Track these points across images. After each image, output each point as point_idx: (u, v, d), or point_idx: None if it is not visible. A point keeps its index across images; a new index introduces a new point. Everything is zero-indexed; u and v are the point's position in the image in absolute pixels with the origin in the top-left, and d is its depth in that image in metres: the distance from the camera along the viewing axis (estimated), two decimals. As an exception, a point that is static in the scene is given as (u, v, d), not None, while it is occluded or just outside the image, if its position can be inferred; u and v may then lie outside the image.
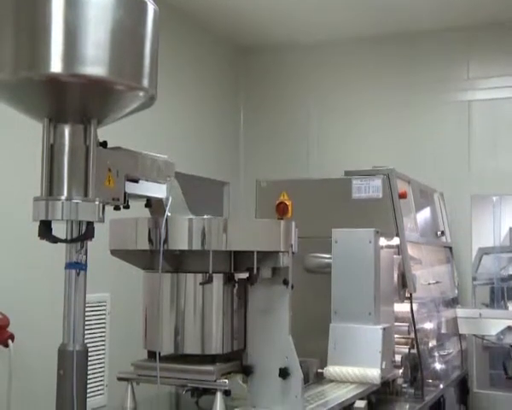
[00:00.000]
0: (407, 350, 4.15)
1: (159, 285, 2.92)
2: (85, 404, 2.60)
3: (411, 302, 4.21)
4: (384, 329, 3.77)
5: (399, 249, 4.25)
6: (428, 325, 4.75)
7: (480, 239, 6.11)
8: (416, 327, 4.23)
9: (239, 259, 2.99)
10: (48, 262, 3.68)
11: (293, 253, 3.01)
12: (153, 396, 3.00)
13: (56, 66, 2.39)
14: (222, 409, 2.85)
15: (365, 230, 3.87)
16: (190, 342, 2.93)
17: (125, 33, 2.53)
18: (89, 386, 2.72)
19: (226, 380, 2.88)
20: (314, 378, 3.72)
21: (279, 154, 6.56)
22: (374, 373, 3.64)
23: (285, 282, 2.96)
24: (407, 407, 3.94)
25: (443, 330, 5.19)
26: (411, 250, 4.44)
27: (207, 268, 2.82)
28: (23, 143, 4.01)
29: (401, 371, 4.02)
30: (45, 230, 2.51)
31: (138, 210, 2.92)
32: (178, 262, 2.97)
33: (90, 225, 2.55)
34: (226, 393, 2.88)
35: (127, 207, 2.76)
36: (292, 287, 2.97)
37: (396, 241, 4.27)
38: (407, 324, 4.21)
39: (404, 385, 4.07)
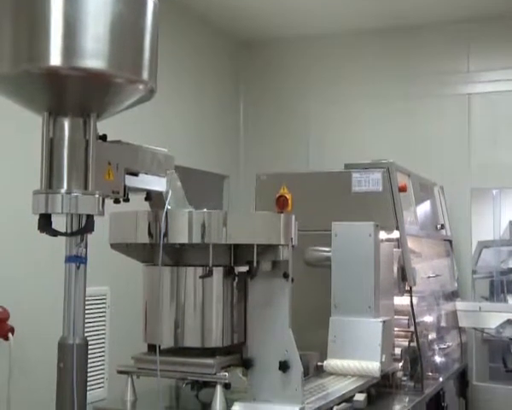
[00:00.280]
0: (407, 343, 4.15)
1: (159, 279, 2.92)
2: (85, 397, 2.61)
3: (411, 296, 4.22)
4: (384, 322, 3.77)
5: (399, 243, 4.25)
6: (428, 319, 4.75)
7: (479, 232, 6.11)
8: (416, 320, 4.24)
9: (239, 252, 3.00)
10: (48, 255, 3.68)
11: (293, 246, 3.01)
12: (153, 389, 3.00)
13: (56, 59, 2.39)
14: (222, 402, 2.86)
15: (365, 223, 3.87)
16: (190, 335, 2.94)
17: (124, 26, 2.52)
18: (89, 379, 2.73)
19: (226, 373, 2.89)
20: (314, 371, 3.72)
21: (279, 147, 6.55)
22: (373, 366, 3.64)
23: (285, 275, 2.96)
24: (407, 399, 3.95)
25: (442, 324, 5.19)
26: (411, 244, 4.44)
27: (207, 262, 2.82)
28: (23, 136, 4.00)
29: (401, 364, 4.03)
30: (45, 223, 2.51)
31: (138, 204, 2.92)
32: (178, 256, 2.97)
33: (89, 218, 2.55)
34: (226, 386, 2.89)
35: (127, 200, 2.76)
36: (292, 280, 2.97)
37: (396, 234, 4.26)
38: (407, 317, 4.22)
39: (404, 378, 4.07)
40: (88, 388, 2.66)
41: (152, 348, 2.95)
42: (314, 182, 4.50)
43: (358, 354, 3.69)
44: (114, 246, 3.02)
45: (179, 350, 2.99)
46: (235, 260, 3.02)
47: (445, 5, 5.82)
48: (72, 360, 2.54)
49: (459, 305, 5.53)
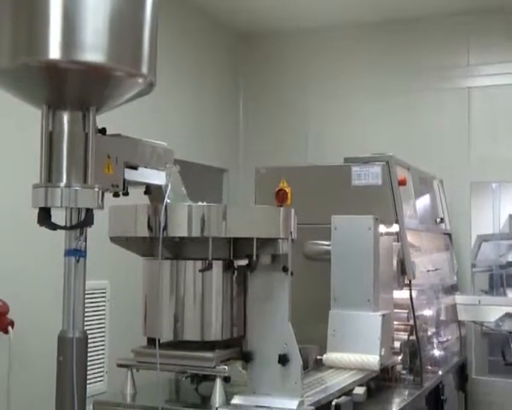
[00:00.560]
0: (406, 337, 4.16)
1: (158, 272, 2.92)
2: (85, 390, 2.61)
3: (410, 289, 4.22)
4: (383, 316, 3.78)
5: (399, 236, 4.25)
6: (427, 312, 4.76)
7: (479, 226, 6.11)
8: (415, 314, 4.24)
9: (238, 246, 2.99)
10: (47, 249, 3.68)
11: (292, 240, 3.01)
12: (152, 383, 3.01)
13: (55, 52, 2.38)
14: (221, 395, 2.87)
15: (365, 217, 3.87)
16: (190, 328, 2.94)
17: (123, 19, 2.52)
18: (89, 373, 2.73)
19: (226, 367, 2.89)
20: (313, 365, 3.73)
21: (278, 141, 6.55)
22: (373, 360, 3.65)
23: (284, 269, 2.96)
24: (406, 393, 3.96)
25: (442, 317, 5.20)
26: (411, 237, 4.44)
27: (207, 255, 2.82)
28: (22, 130, 4.00)
29: (400, 357, 4.04)
30: (44, 217, 2.51)
31: (137, 197, 2.92)
32: (178, 249, 2.97)
33: (89, 212, 2.55)
34: (226, 379, 2.89)
35: (126, 194, 2.76)
36: (291, 274, 2.97)
37: (395, 228, 4.27)
38: (406, 310, 4.22)
39: (403, 372, 4.08)
40: (88, 381, 2.67)
41: (152, 341, 2.95)
42: (313, 176, 4.50)
43: (358, 347, 3.70)
44: (114, 239, 3.02)
45: (179, 344, 2.99)
46: (235, 253, 3.02)
47: (445, -2, 5.82)
48: (72, 354, 2.54)
49: (458, 298, 5.53)
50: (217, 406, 2.83)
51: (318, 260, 4.05)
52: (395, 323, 4.11)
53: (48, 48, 2.38)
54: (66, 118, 2.55)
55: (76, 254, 2.59)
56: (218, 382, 2.87)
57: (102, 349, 4.76)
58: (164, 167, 2.95)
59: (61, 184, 2.49)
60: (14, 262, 4.15)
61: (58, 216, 2.58)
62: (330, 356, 3.73)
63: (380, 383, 3.86)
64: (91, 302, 4.57)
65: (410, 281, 4.22)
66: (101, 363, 4.73)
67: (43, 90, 2.52)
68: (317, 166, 4.69)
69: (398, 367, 4.03)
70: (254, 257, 2.91)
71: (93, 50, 2.42)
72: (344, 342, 3.74)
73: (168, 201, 2.84)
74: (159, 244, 2.78)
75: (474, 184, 6.03)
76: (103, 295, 4.82)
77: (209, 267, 2.88)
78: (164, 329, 2.95)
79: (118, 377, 3.14)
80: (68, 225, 2.58)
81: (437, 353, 4.79)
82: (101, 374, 4.73)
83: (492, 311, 5.42)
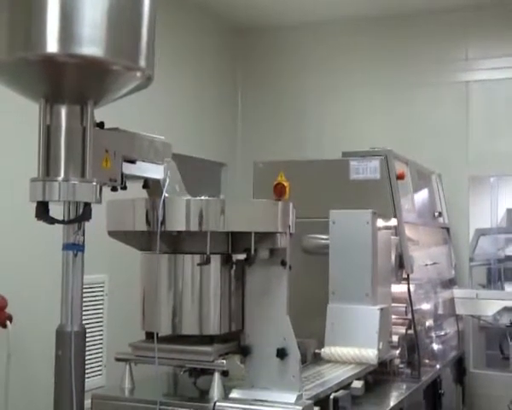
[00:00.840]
0: (404, 331, 4.16)
1: (156, 267, 2.92)
2: (84, 384, 2.62)
3: (408, 283, 4.22)
4: (381, 309, 3.78)
5: (397, 230, 4.25)
6: (425, 306, 4.76)
7: (477, 220, 6.13)
8: (413, 308, 4.24)
9: (237, 240, 2.99)
10: (46, 243, 3.67)
11: (290, 234, 3.01)
12: (151, 377, 3.01)
13: (52, 46, 2.38)
14: (220, 389, 2.87)
15: (363, 211, 3.87)
16: (188, 322, 2.94)
17: (121, 13, 2.51)
18: (87, 367, 2.74)
19: (224, 361, 2.89)
20: (311, 359, 3.73)
21: (277, 135, 6.55)
22: (371, 354, 3.65)
23: (283, 263, 2.96)
24: (404, 387, 3.96)
25: (440, 311, 5.20)
26: (409, 231, 4.45)
27: (205, 249, 2.82)
28: (20, 124, 3.99)
29: (398, 351, 4.04)
30: (42, 211, 2.51)
31: (136, 191, 2.92)
32: (176, 243, 2.97)
33: (87, 206, 2.55)
34: (224, 373, 2.90)
35: (124, 188, 2.76)
36: (290, 268, 2.97)
37: (393, 222, 4.27)
38: (404, 304, 4.22)
39: (401, 365, 4.08)
40: (86, 375, 2.67)
41: (150, 335, 2.95)
42: (312, 170, 4.49)
43: (356, 341, 3.70)
44: (112, 234, 3.01)
45: (177, 338, 2.99)
46: (233, 247, 3.02)
47: (444, -8, 5.81)
48: (70, 348, 2.54)
49: (456, 292, 5.54)
50: (215, 400, 2.84)
51: (316, 254, 4.05)
52: (393, 317, 4.11)
53: (45, 42, 2.38)
54: (63, 112, 2.54)
55: (74, 248, 2.59)
56: (217, 376, 2.88)
57: (101, 343, 4.76)
58: (162, 161, 2.94)
59: (59, 178, 2.49)
60: (13, 256, 4.15)
61: (56, 210, 2.58)
62: (328, 350, 3.73)
63: (378, 376, 3.86)
64: (90, 296, 4.57)
65: (408, 275, 4.22)
66: (99, 357, 4.73)
67: (40, 84, 2.52)
68: (315, 160, 4.69)
69: (396, 361, 4.04)
70: (252, 251, 2.91)
71: (91, 44, 2.41)
72: (342, 335, 3.74)
73: (166, 195, 2.84)
74: (157, 238, 2.78)
75: (473, 178, 6.04)
76: (101, 289, 4.83)
77: (207, 261, 2.88)
78: (162, 323, 2.95)
79: (116, 371, 3.14)
80: (66, 219, 2.58)
81: (435, 347, 4.80)
82: (100, 368, 4.73)
83: (490, 305, 5.43)
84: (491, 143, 5.96)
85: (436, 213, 5.54)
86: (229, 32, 6.67)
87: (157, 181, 2.92)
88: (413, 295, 4.26)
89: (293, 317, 2.95)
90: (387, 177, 4.27)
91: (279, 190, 3.76)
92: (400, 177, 4.37)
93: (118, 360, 3.07)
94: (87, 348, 2.68)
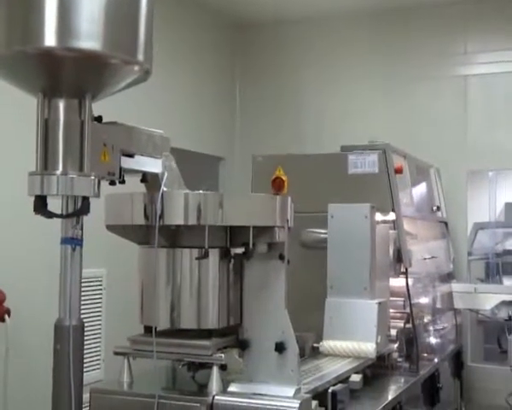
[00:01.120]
0: (402, 325, 4.17)
1: (155, 260, 2.92)
2: (82, 378, 2.62)
3: (407, 277, 4.23)
4: (379, 303, 3.78)
5: (395, 224, 4.25)
6: (424, 300, 4.77)
7: (475, 214, 6.12)
8: (412, 302, 4.25)
9: (235, 234, 2.99)
10: (44, 237, 3.68)
11: (289, 228, 3.01)
12: (149, 371, 3.01)
13: (50, 39, 2.37)
14: (218, 383, 2.87)
15: (361, 205, 3.87)
16: (186, 316, 2.94)
17: (119, 7, 2.51)
18: (85, 361, 2.73)
19: (222, 354, 2.89)
20: (310, 353, 3.74)
21: (275, 129, 6.54)
22: (369, 348, 3.66)
23: (281, 257, 2.96)
24: (402, 380, 3.97)
25: (438, 305, 5.21)
26: (407, 225, 4.45)
27: (203, 243, 2.81)
28: (18, 117, 3.98)
29: (396, 345, 4.05)
30: (40, 205, 2.50)
31: (134, 185, 2.91)
32: (174, 237, 2.97)
33: (85, 200, 2.54)
34: (222, 367, 2.90)
35: (123, 182, 2.75)
36: (288, 262, 2.97)
37: (392, 216, 4.27)
38: (402, 298, 4.23)
39: (399, 359, 4.09)
40: (84, 369, 2.67)
41: (148, 329, 2.95)
42: (310, 164, 4.49)
43: (354, 335, 3.71)
44: (110, 228, 3.01)
45: (175, 332, 2.99)
46: (231, 241, 3.02)
47: (442, -14, 5.80)
48: (69, 342, 2.54)
49: (454, 286, 5.55)
50: (213, 393, 2.84)
51: (315, 248, 4.05)
52: (391, 311, 4.12)
53: (43, 35, 2.37)
54: (61, 106, 2.53)
55: (72, 242, 2.59)
56: (215, 370, 2.88)
57: (99, 337, 4.77)
58: (160, 155, 2.94)
59: (57, 172, 2.49)
60: (11, 250, 4.15)
61: (54, 204, 2.57)
62: (327, 344, 3.74)
63: (376, 370, 3.87)
64: (88, 291, 4.58)
65: (406, 269, 4.23)
66: (97, 351, 4.74)
67: (38, 78, 2.51)
68: (313, 154, 4.68)
69: (395, 355, 4.04)
70: (251, 245, 2.90)
71: (88, 38, 2.41)
72: (340, 329, 3.74)
73: (164, 189, 2.84)
74: (155, 232, 2.78)
75: (471, 172, 6.04)
76: (100, 283, 4.83)
77: (205, 255, 2.88)
78: (160, 317, 2.95)
79: (114, 365, 3.14)
80: (64, 213, 2.57)
81: (433, 340, 4.81)
82: (98, 362, 4.74)
83: (488, 299, 5.44)
84: (490, 137, 5.96)
85: (434, 208, 5.55)
86: (227, 26, 6.66)
87: (155, 175, 2.92)
88: (411, 289, 4.27)
89: (291, 311, 2.95)
90: (386, 171, 4.27)
91: (277, 185, 3.75)
92: (398, 171, 4.37)
93: (116, 353, 3.07)
94: (85, 342, 2.68)
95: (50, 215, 2.53)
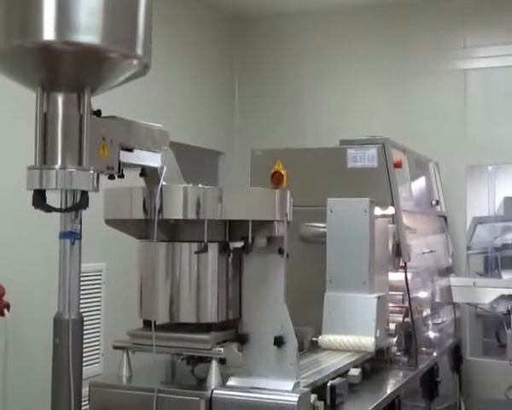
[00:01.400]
0: (401, 319, 4.17)
1: (154, 255, 2.92)
2: (81, 372, 2.62)
3: (406, 271, 4.23)
4: (378, 298, 3.79)
5: (394, 219, 4.26)
6: (422, 294, 4.78)
7: (474, 208, 6.12)
8: (411, 296, 4.26)
9: (234, 228, 3.00)
10: (43, 231, 3.67)
11: (288, 222, 3.01)
12: (148, 365, 3.02)
13: (49, 33, 2.37)
14: (217, 377, 2.88)
15: (360, 199, 3.87)
16: (186, 310, 2.94)
17: (118, 1, 2.50)
18: (85, 355, 2.74)
19: (221, 348, 2.90)
20: (309, 347, 3.74)
21: (274, 123, 6.53)
22: (368, 342, 3.66)
23: (280, 251, 2.96)
24: (401, 374, 3.98)
25: (437, 299, 5.22)
26: (406, 220, 4.45)
27: (202, 237, 2.82)
28: (17, 111, 3.98)
29: (395, 339, 4.05)
30: (39, 199, 2.50)
31: (133, 179, 2.91)
32: (173, 231, 2.97)
33: (84, 194, 2.54)
34: (221, 361, 2.90)
35: (122, 176, 2.75)
36: (287, 256, 2.97)
37: (391, 210, 4.27)
38: (401, 293, 4.23)
39: (398, 353, 4.10)
40: (84, 363, 2.67)
41: (147, 323, 2.95)
42: (309, 158, 4.49)
43: (353, 329, 3.71)
44: (109, 222, 3.01)
45: (175, 326, 2.99)
46: (230, 235, 3.02)
47: (442, -20, 5.79)
48: (68, 336, 2.54)
49: (453, 281, 5.55)
50: (212, 387, 2.84)
51: (314, 242, 4.05)
52: (390, 305, 4.12)
53: (42, 29, 2.37)
54: (60, 100, 2.53)
55: (71, 236, 2.59)
56: (214, 363, 2.88)
57: (98, 332, 4.77)
58: (159, 149, 2.94)
59: (56, 166, 2.49)
60: (10, 245, 4.15)
61: (53, 198, 2.57)
62: (326, 338, 3.74)
63: (375, 364, 3.87)
64: (87, 285, 4.57)
65: (405, 263, 4.23)
66: (97, 345, 4.74)
67: (37, 72, 2.51)
68: (312, 148, 4.68)
69: (393, 349, 4.05)
70: (250, 239, 2.91)
71: (87, 32, 2.40)
72: (339, 324, 3.75)
73: (164, 183, 2.83)
74: (154, 227, 2.78)
75: (470, 166, 6.03)
76: (99, 277, 4.83)
77: (205, 250, 2.88)
78: (160, 311, 2.95)
79: (114, 359, 3.14)
80: (63, 207, 2.57)
81: (432, 334, 4.82)
82: (97, 356, 4.74)
83: (487, 293, 5.44)
84: (489, 131, 5.96)
85: (433, 202, 5.55)
86: (226, 20, 6.65)
87: (154, 169, 2.92)
88: (410, 284, 4.27)
89: (290, 305, 2.95)
90: (385, 165, 4.27)
91: (276, 179, 3.75)
92: (398, 165, 4.37)
93: (115, 348, 3.07)
94: (85, 337, 2.68)
95: (49, 209, 2.53)
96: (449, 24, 6.12)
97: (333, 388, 3.11)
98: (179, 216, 2.82)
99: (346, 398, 3.22)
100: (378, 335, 3.72)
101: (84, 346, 2.71)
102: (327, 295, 3.84)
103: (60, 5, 2.37)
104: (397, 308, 4.22)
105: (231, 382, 2.90)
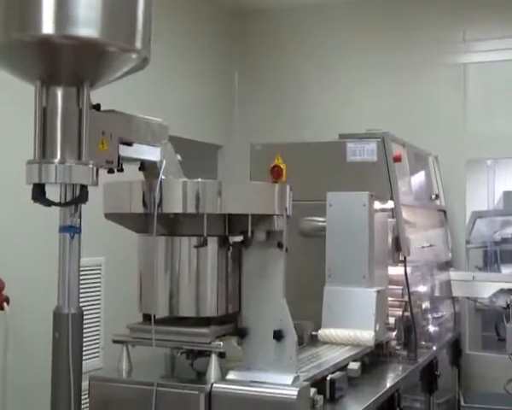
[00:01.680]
0: (401, 313, 4.17)
1: (153, 249, 2.92)
2: (81, 366, 2.62)
3: (405, 265, 4.23)
4: (378, 292, 3.79)
5: (394, 213, 4.25)
6: (422, 288, 4.78)
7: (473, 203, 6.12)
8: (410, 290, 4.26)
9: (233, 222, 2.99)
10: (43, 225, 3.67)
11: (287, 216, 3.01)
12: (148, 359, 3.02)
13: (48, 27, 2.36)
14: (217, 371, 2.88)
15: (360, 193, 3.87)
16: (185, 304, 2.95)
17: (117, -6, 2.50)
18: (84, 349, 2.74)
19: (221, 342, 2.90)
20: (308, 341, 3.74)
21: (274, 117, 6.53)
22: (367, 336, 3.66)
23: (279, 245, 2.96)
24: (400, 368, 3.98)
25: (436, 293, 5.22)
26: (405, 214, 4.45)
27: (202, 231, 2.82)
28: (16, 105, 3.97)
29: (395, 333, 4.05)
30: (39, 193, 2.50)
31: (132, 174, 2.91)
32: (173, 225, 2.97)
33: (83, 188, 2.54)
34: (221, 355, 2.90)
35: (121, 170, 2.75)
36: (286, 250, 2.97)
37: (390, 204, 4.27)
38: (401, 287, 4.23)
39: (398, 347, 4.10)
40: (83, 357, 2.67)
41: (147, 317, 2.96)
42: (309, 152, 4.49)
43: (353, 323, 3.71)
44: (109, 216, 3.01)
45: (174, 320, 3.00)
46: (230, 229, 3.02)
47: (442, -27, 5.77)
48: (68, 330, 2.55)
49: (453, 275, 5.55)
50: (212, 381, 2.85)
51: (313, 236, 4.05)
52: (390, 299, 4.12)
53: (41, 23, 2.36)
54: (59, 93, 2.53)
55: (71, 230, 2.59)
56: (214, 357, 2.89)
57: (98, 325, 4.77)
58: (159, 143, 2.93)
59: (56, 160, 2.48)
60: (9, 239, 4.15)
61: (53, 193, 2.57)
62: (325, 332, 3.74)
63: (374, 358, 3.88)
64: (87, 279, 4.58)
65: (404, 257, 4.23)
66: (96, 339, 4.74)
67: (36, 66, 2.50)
68: (312, 142, 4.68)
69: (393, 343, 4.05)
70: (249, 233, 2.91)
71: (86, 25, 2.40)
72: (339, 317, 3.75)
73: (163, 177, 2.83)
74: (154, 221, 2.77)
75: (469, 160, 6.03)
76: (98, 271, 4.83)
77: (204, 244, 2.88)
78: (159, 305, 2.95)
79: (113, 353, 3.15)
80: (63, 201, 2.57)
81: (431, 328, 4.82)
82: (97, 350, 4.74)
83: (486, 287, 5.45)
84: (489, 125, 5.95)
85: (433, 196, 5.55)
86: (225, 13, 6.63)
87: (154, 163, 2.92)
88: (410, 278, 4.27)
89: (289, 299, 2.95)
90: (384, 159, 4.27)
91: (276, 173, 3.75)
92: (397, 159, 4.37)
93: (115, 341, 3.07)
94: (84, 331, 2.68)
95: (49, 203, 2.53)
96: (448, 18, 6.11)
97: (332, 382, 3.12)
98: (179, 210, 2.83)
99: (346, 392, 3.22)
100: (377, 329, 3.72)
101: (84, 340, 2.71)
102: (326, 289, 3.84)
103: (59, -1, 2.37)
104: (396, 302, 4.22)
105: (231, 376, 2.91)
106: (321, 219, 3.97)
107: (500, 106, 5.97)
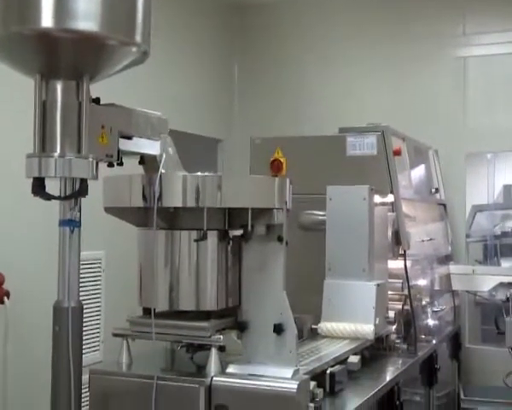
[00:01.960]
0: (400, 306, 4.17)
1: (153, 242, 2.92)
2: (81, 359, 2.63)
3: (405, 259, 4.23)
4: (378, 285, 3.79)
5: (393, 206, 4.25)
6: (422, 282, 4.78)
7: (473, 196, 6.12)
8: (410, 284, 4.26)
9: (233, 216, 2.99)
10: (43, 219, 3.68)
11: (287, 210, 3.01)
12: (148, 352, 3.02)
13: (47, 20, 2.36)
14: (217, 365, 2.88)
15: (360, 187, 3.86)
16: (185, 298, 2.95)
17: (117, -13, 2.49)
18: (85, 342, 2.75)
19: (221, 336, 2.90)
20: (308, 334, 3.74)
21: (274, 111, 6.52)
22: (367, 329, 3.67)
23: (279, 239, 2.96)
24: (400, 362, 3.98)
25: (436, 287, 5.22)
26: (405, 207, 4.45)
27: (202, 225, 2.82)
28: (15, 99, 3.97)
29: (394, 327, 4.06)
30: (38, 187, 2.50)
31: (132, 167, 2.91)
32: (173, 219, 2.97)
33: (83, 182, 2.54)
34: (221, 349, 2.91)
35: (121, 164, 2.75)
36: (286, 244, 2.97)
37: (390, 198, 4.27)
38: (401, 280, 4.23)
39: (398, 341, 4.10)
40: (83, 351, 2.68)
41: (147, 311, 2.96)
42: (309, 145, 4.48)
43: (352, 316, 3.72)
44: (108, 210, 3.01)
45: (174, 313, 3.00)
46: (230, 223, 3.02)
47: (442, -34, 5.76)
48: (68, 324, 2.55)
49: (453, 268, 5.56)
50: (212, 375, 2.85)
51: (313, 230, 4.05)
52: (390, 292, 4.12)
53: (40, 16, 2.36)
54: (59, 87, 2.53)
55: (70, 224, 2.59)
56: (214, 351, 2.89)
57: (98, 319, 4.78)
58: (158, 137, 2.93)
59: (55, 153, 2.48)
60: (10, 232, 4.15)
61: (53, 186, 2.57)
62: (325, 325, 3.74)
63: (374, 352, 3.88)
64: (87, 273, 4.58)
65: (404, 251, 4.23)
66: (96, 333, 4.75)
67: (35, 60, 2.50)
68: (312, 136, 4.67)
69: (393, 336, 4.05)
70: (249, 227, 2.91)
71: (86, 19, 2.39)
72: (339, 311, 3.75)
73: (163, 171, 2.83)
74: (153, 214, 2.77)
75: (469, 154, 6.03)
76: (99, 265, 4.83)
77: (204, 237, 2.88)
78: (159, 299, 2.95)
79: (113, 346, 3.15)
80: (63, 195, 2.57)
81: (431, 322, 4.82)
82: (97, 344, 4.75)
83: (486, 280, 5.45)
84: (489, 119, 5.95)
85: (433, 190, 5.54)
86: (225, 7, 6.62)
87: (153, 157, 2.92)
88: (409, 271, 4.27)
89: (289, 292, 2.95)
90: (384, 153, 4.27)
91: (276, 166, 3.77)
92: (397, 153, 4.37)
93: (115, 335, 3.08)
94: (84, 324, 2.69)
95: (48, 197, 2.53)
96: (448, 11, 6.10)
97: (332, 375, 3.12)
98: (178, 204, 2.83)
99: (346, 385, 3.23)
100: (377, 322, 3.73)
101: (84, 333, 2.72)
102: (326, 283, 3.84)
103: (58, -8, 2.36)
104: (396, 296, 4.22)
105: (231, 369, 2.91)
106: (321, 212, 3.97)
107: (500, 99, 5.96)
